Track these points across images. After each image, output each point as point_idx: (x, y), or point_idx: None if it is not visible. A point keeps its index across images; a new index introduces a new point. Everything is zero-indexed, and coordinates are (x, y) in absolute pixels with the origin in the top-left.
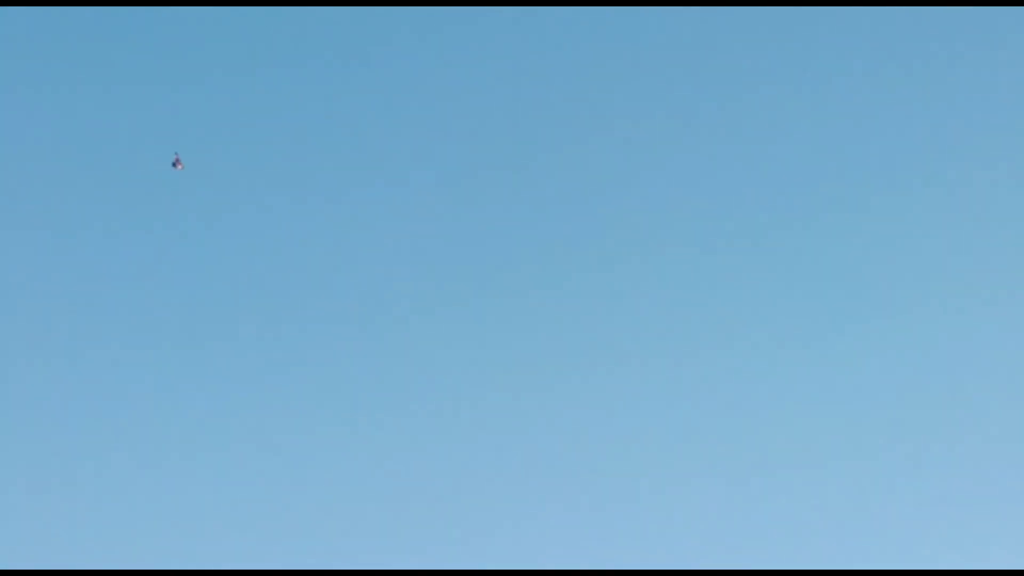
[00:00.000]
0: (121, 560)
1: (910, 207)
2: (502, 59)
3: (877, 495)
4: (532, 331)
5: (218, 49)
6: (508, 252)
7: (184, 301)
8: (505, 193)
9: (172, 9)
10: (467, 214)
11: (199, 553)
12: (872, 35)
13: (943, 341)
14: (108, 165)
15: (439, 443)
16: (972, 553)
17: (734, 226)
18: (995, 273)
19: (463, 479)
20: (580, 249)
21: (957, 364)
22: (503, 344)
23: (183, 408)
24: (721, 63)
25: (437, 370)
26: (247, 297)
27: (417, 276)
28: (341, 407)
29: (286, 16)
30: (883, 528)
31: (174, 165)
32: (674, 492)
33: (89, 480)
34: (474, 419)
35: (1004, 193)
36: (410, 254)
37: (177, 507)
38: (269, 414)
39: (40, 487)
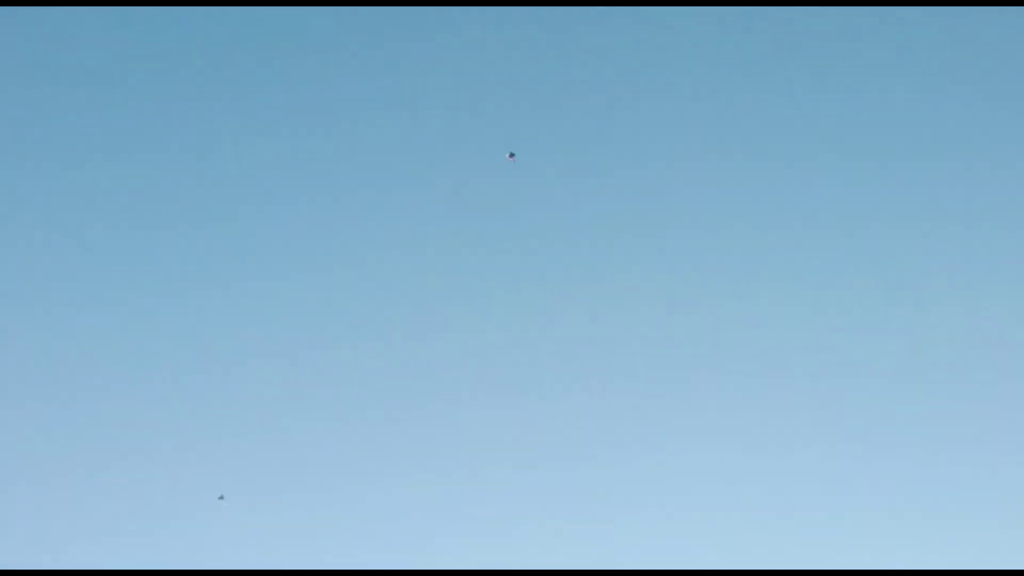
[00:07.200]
0: (121, 560)
1: (910, 207)
2: (501, 59)
3: (877, 495)
4: (531, 330)
5: (217, 49)
6: (507, 251)
7: (182, 300)
8: (505, 192)
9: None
10: (466, 213)
11: (199, 553)
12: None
13: (943, 341)
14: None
15: (438, 443)
16: (972, 553)
17: (734, 225)
18: (995, 273)
19: (462, 479)
20: (579, 249)
21: (957, 364)
22: (501, 343)
23: (182, 407)
24: (721, 63)
25: (436, 369)
26: (246, 295)
27: (416, 275)
28: (340, 406)
29: (285, 16)
30: (883, 528)
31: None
32: (674, 492)
33: (87, 478)
34: (473, 419)
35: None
36: (410, 252)
37: (176, 506)
38: (268, 413)
39: (38, 486)
